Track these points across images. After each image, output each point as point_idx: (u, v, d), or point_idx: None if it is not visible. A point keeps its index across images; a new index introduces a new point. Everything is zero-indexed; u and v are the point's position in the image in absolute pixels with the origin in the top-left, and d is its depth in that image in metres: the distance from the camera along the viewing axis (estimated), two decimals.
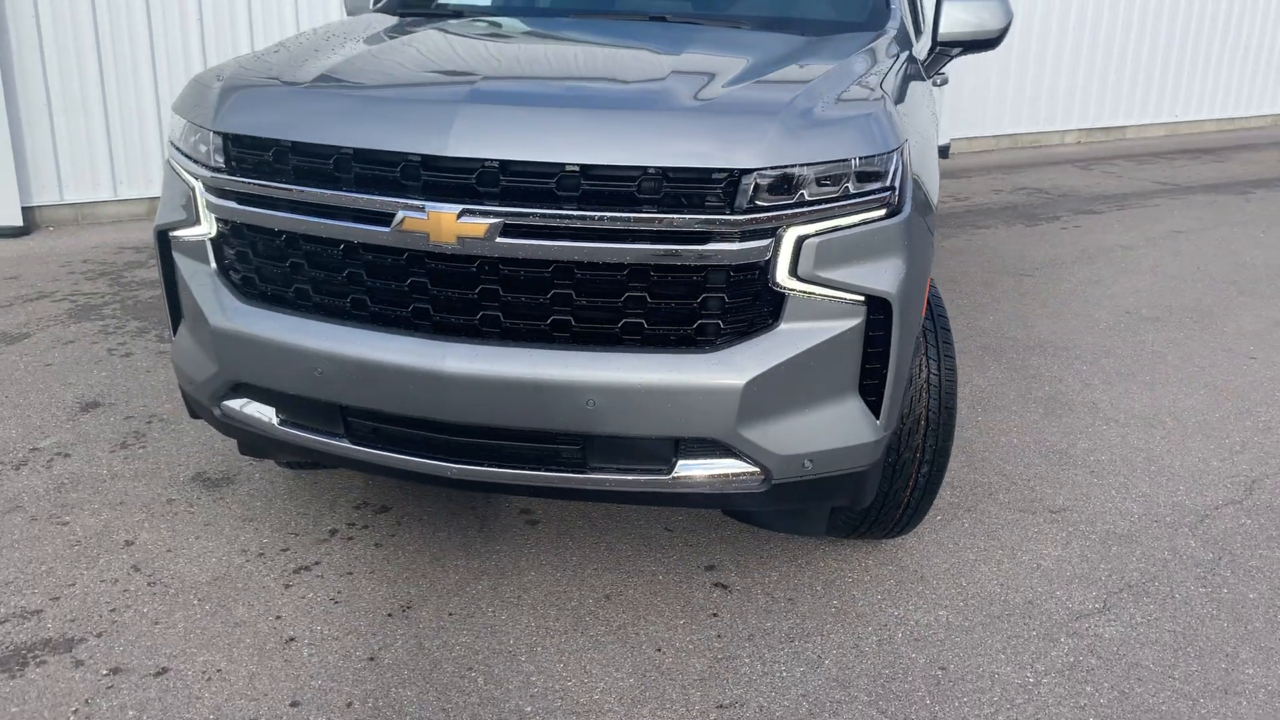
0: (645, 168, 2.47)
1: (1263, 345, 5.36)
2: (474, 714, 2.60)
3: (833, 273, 2.57)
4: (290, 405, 2.86)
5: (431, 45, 3.32)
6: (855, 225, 2.59)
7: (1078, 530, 3.52)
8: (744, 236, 2.50)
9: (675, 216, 2.48)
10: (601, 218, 2.48)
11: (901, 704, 2.67)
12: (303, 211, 2.68)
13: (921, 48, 4.03)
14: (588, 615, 3.00)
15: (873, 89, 2.82)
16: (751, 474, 2.67)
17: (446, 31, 3.50)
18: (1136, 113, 12.11)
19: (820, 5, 3.92)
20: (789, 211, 2.51)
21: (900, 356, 2.70)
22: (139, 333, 5.09)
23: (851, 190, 2.57)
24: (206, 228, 2.88)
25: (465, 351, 2.60)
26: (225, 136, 2.76)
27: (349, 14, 4.28)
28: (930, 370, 3.01)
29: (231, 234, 2.83)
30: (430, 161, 2.53)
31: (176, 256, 3.00)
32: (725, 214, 2.48)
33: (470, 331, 2.63)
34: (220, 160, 2.78)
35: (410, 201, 2.54)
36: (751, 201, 2.48)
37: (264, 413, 2.91)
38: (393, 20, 3.75)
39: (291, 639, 2.85)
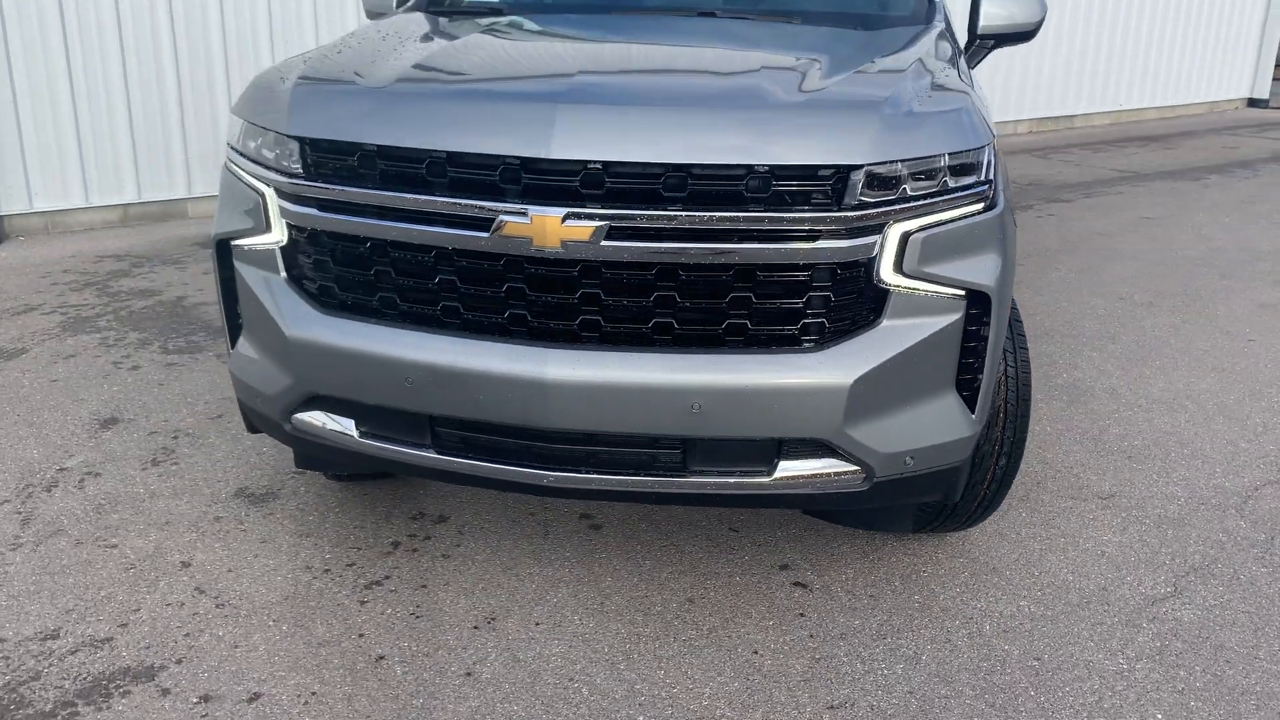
0: (752, 166, 2.44)
1: (1257, 328, 5.50)
2: None
3: (936, 268, 2.57)
4: (373, 417, 2.78)
5: (501, 44, 3.25)
6: (956, 220, 2.59)
7: (1131, 516, 3.57)
8: (852, 233, 2.49)
9: (786, 215, 2.45)
10: (710, 218, 2.44)
11: (1007, 696, 2.68)
12: (391, 218, 2.60)
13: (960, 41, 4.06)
14: (675, 620, 2.96)
15: (958, 83, 2.82)
16: (854, 473, 2.65)
17: (505, 30, 3.43)
18: (1084, 102, 12.37)
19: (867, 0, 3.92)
20: (895, 207, 2.51)
21: (994, 350, 2.72)
22: (141, 344, 4.92)
23: (950, 185, 2.57)
24: (278, 236, 2.79)
25: (567, 357, 2.54)
26: (302, 141, 2.67)
27: (369, 15, 4.17)
28: (1008, 362, 3.02)
29: (308, 242, 2.74)
30: (532, 164, 2.47)
31: (239, 266, 2.90)
32: (834, 211, 2.46)
33: (569, 336, 2.58)
34: (297, 165, 2.69)
35: (511, 206, 2.48)
36: (859, 198, 2.47)
37: (342, 425, 2.82)
38: (435, 19, 3.66)
39: (381, 657, 2.78)
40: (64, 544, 3.26)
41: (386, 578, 3.13)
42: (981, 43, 3.93)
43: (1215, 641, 2.91)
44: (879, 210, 2.49)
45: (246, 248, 2.87)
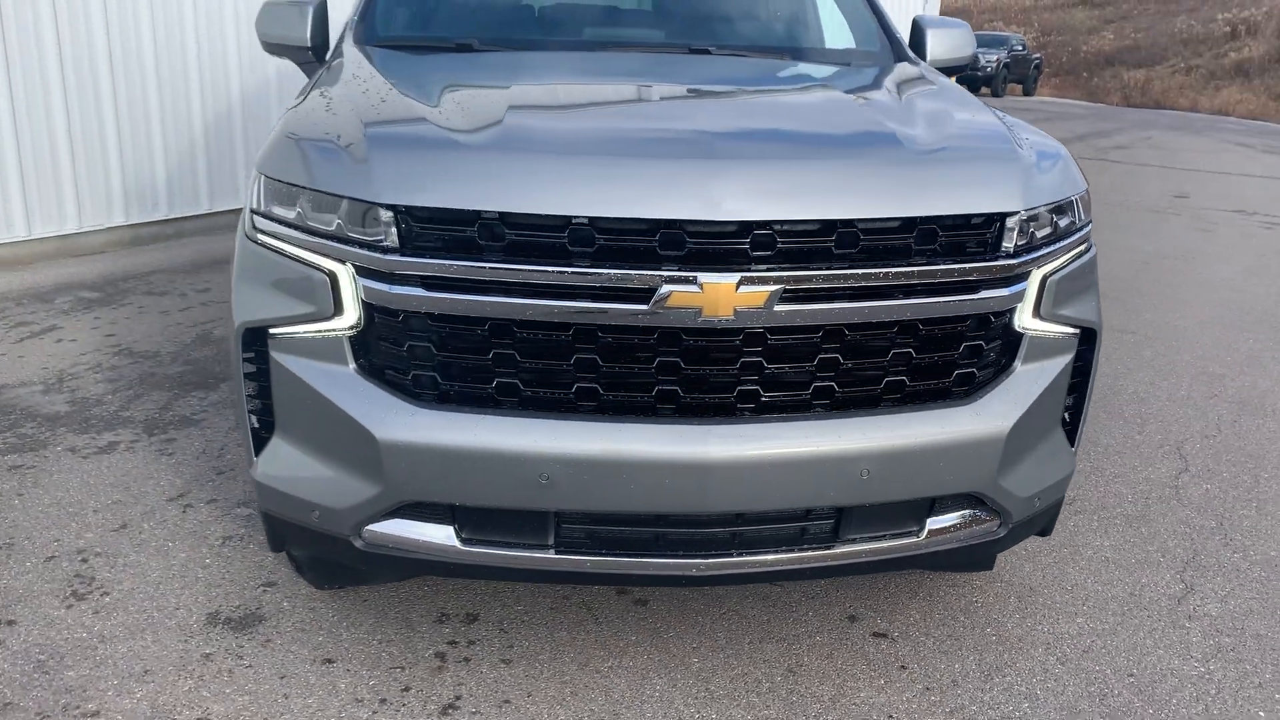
0: (916, 218, 2.35)
1: None
2: None
3: (1062, 309, 2.60)
4: (483, 521, 2.42)
5: (573, 89, 2.92)
6: (1073, 261, 2.63)
7: (1101, 517, 3.80)
8: (1008, 281, 2.46)
9: (953, 266, 2.38)
10: (884, 274, 2.32)
11: (1135, 718, 2.75)
12: (520, 293, 2.26)
13: None
14: (789, 693, 2.80)
15: (1027, 128, 2.85)
16: (995, 522, 2.62)
17: (542, 70, 3.09)
18: None
19: (840, 34, 3.89)
20: (1040, 253, 2.51)
21: (1092, 384, 2.78)
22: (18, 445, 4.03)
23: (1069, 227, 2.60)
24: (350, 320, 2.35)
25: (730, 433, 2.34)
26: (397, 209, 2.26)
27: (269, 48, 3.62)
28: None
29: (402, 326, 2.33)
30: (697, 227, 2.23)
31: (280, 359, 2.43)
32: (993, 260, 2.42)
33: (725, 410, 2.36)
34: (388, 238, 2.27)
35: (677, 274, 2.23)
36: (1015, 245, 2.44)
37: (438, 534, 2.43)
38: (437, 57, 3.23)
39: None
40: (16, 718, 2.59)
41: (458, 698, 2.73)
42: None
43: (1252, 631, 3.15)
44: (1029, 257, 2.47)
45: (293, 336, 2.40)
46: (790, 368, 2.36)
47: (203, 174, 7.35)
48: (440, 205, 2.25)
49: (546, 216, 2.23)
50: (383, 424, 2.33)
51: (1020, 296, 2.48)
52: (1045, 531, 2.91)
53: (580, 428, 2.31)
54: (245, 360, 2.49)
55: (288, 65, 7.79)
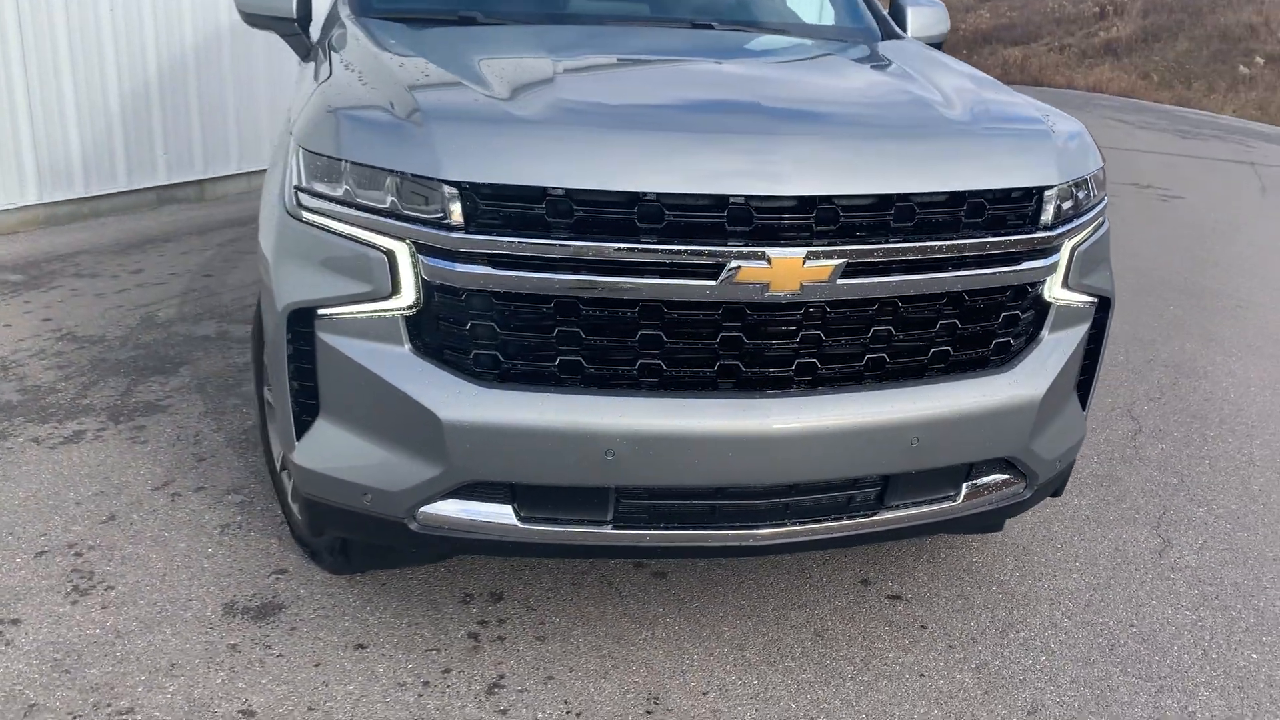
0: (966, 191, 2.42)
1: None
2: None
3: (1086, 279, 2.71)
4: (544, 499, 2.41)
5: (616, 64, 2.89)
6: (1095, 232, 2.74)
7: (1085, 482, 3.97)
8: (1045, 253, 2.55)
9: (999, 239, 2.47)
10: (938, 247, 2.39)
11: (1146, 665, 2.91)
12: (588, 270, 2.26)
13: None
14: (820, 657, 2.87)
15: (1043, 106, 2.94)
16: (1022, 484, 2.73)
17: (575, 49, 3.05)
18: None
19: (818, 11, 3.94)
20: (1071, 225, 2.60)
21: (1104, 350, 2.90)
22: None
23: (1089, 201, 2.71)
24: (408, 299, 2.31)
25: (790, 405, 2.38)
26: (463, 186, 2.23)
27: (245, 17, 3.49)
28: None
29: (465, 304, 2.30)
30: (764, 202, 2.26)
31: (327, 339, 2.38)
32: (1035, 232, 2.51)
33: (783, 383, 2.40)
34: (455, 215, 2.24)
35: (746, 249, 2.26)
36: (1053, 217, 2.54)
37: (497, 513, 2.42)
38: (426, 30, 3.16)
39: None
40: None
41: (502, 677, 2.72)
42: None
43: (1230, 580, 3.35)
44: (1062, 230, 2.57)
45: (344, 317, 2.35)
46: (846, 340, 2.41)
47: (120, 150, 7.02)
48: (509, 182, 2.22)
49: (616, 193, 2.23)
50: (446, 404, 2.30)
51: (1054, 268, 2.58)
52: (1058, 493, 3.04)
53: (645, 404, 2.32)
54: (293, 343, 2.42)
55: (204, 38, 7.50)
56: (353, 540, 2.76)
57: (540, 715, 2.60)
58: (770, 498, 2.47)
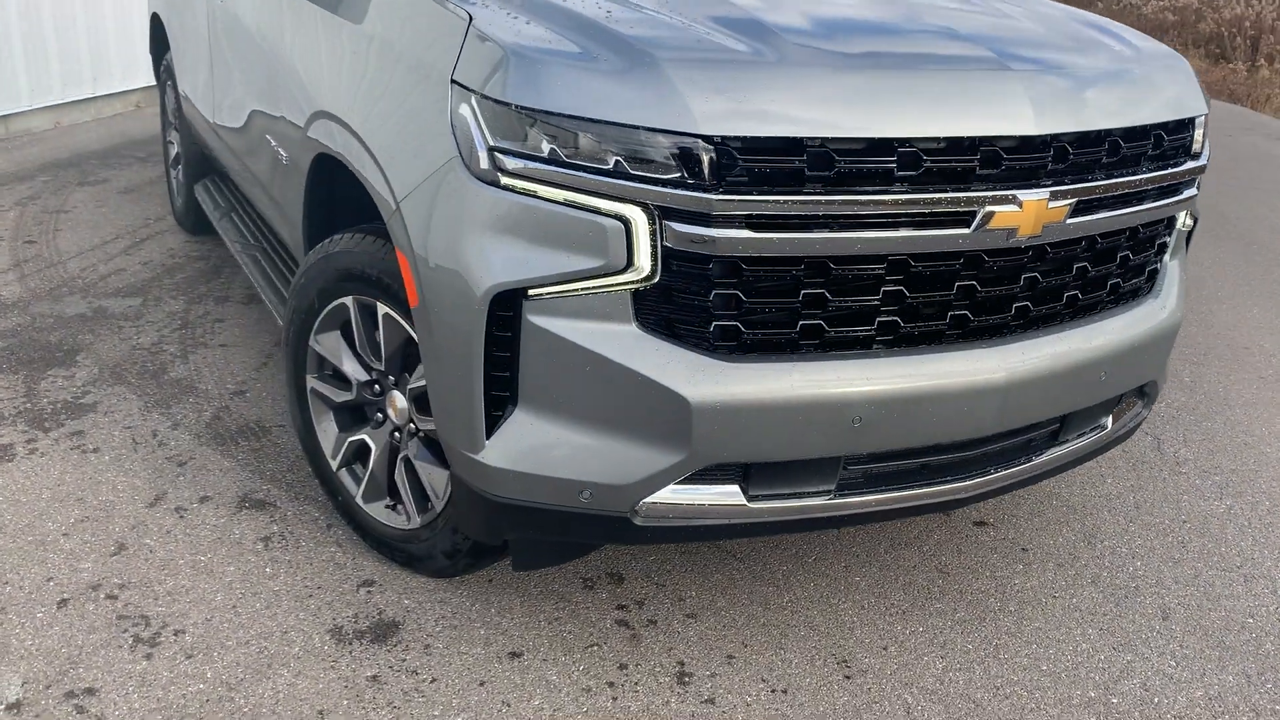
0: (1150, 126, 2.43)
1: None
2: None
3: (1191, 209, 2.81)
4: (776, 475, 2.25)
5: None
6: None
7: None
8: (1194, 182, 2.62)
9: (1175, 170, 2.51)
10: (1137, 180, 2.40)
11: (1217, 559, 3.13)
12: (843, 227, 2.07)
13: None
14: (959, 594, 2.89)
15: None
16: (1141, 404, 2.84)
17: None
18: None
19: None
20: (1204, 154, 2.67)
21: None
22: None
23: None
24: (644, 271, 2.04)
25: (1013, 351, 2.34)
26: (715, 140, 1.97)
27: None
28: None
29: (712, 272, 2.05)
30: (1010, 143, 2.16)
31: (536, 321, 2.08)
32: (1192, 161, 2.57)
33: (1002, 330, 2.34)
34: (705, 175, 1.98)
35: (999, 193, 2.16)
36: (1200, 145, 2.60)
37: (723, 495, 2.24)
38: None
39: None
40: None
41: (682, 664, 2.54)
42: None
43: (1229, 469, 3.66)
44: (1203, 159, 2.64)
45: (561, 296, 2.05)
46: (1056, 280, 2.37)
47: None
48: (768, 134, 1.98)
49: (878, 140, 2.04)
50: (691, 383, 2.06)
51: (1195, 196, 2.66)
52: None
53: (889, 364, 2.19)
54: (490, 327, 2.07)
55: None
56: (521, 541, 2.43)
57: (749, 699, 2.45)
58: (974, 448, 2.41)
